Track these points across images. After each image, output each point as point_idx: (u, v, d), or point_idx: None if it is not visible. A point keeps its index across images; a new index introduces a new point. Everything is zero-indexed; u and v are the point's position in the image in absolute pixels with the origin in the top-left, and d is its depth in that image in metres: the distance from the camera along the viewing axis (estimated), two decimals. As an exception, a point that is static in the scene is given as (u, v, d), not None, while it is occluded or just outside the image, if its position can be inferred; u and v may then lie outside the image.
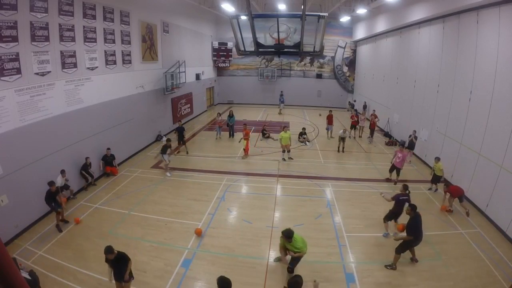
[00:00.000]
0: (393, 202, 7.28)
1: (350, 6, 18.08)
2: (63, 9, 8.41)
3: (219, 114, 16.52)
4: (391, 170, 10.51)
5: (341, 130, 13.77)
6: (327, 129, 16.01)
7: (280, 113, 22.74)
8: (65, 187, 8.54)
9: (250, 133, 14.34)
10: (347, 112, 23.32)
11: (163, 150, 10.79)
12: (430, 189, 9.93)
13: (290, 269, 5.61)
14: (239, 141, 13.22)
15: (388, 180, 10.63)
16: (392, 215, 7.33)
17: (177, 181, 10.51)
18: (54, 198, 7.52)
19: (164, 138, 15.33)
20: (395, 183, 10.24)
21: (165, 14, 15.52)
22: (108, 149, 10.52)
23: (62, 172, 8.39)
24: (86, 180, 9.65)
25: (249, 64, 26.21)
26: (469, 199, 9.11)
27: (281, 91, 24.49)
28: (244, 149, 13.01)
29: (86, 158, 9.65)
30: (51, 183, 7.49)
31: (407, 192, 7.34)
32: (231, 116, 15.79)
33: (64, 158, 8.78)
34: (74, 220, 7.86)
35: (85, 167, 9.61)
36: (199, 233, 7.27)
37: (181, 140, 13.29)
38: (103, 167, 10.52)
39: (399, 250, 6.06)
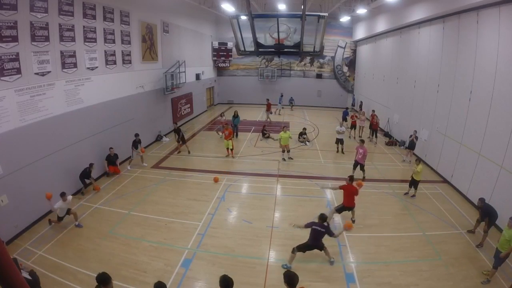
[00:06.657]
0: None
1: (350, 6, 18.06)
2: (63, 9, 8.41)
3: (223, 114, 16.48)
4: (354, 166, 10.60)
5: (337, 126, 13.68)
6: (267, 112, 19.60)
7: (279, 114, 22.40)
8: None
9: (249, 133, 14.33)
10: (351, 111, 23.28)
11: (134, 145, 11.52)
12: (406, 193, 9.43)
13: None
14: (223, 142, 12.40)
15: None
16: (306, 247, 6.10)
17: (177, 181, 10.52)
18: None
19: (165, 138, 15.43)
20: (363, 179, 10.19)
21: (165, 14, 15.52)
22: (111, 148, 10.47)
23: (63, 194, 7.35)
24: (85, 186, 9.23)
25: (249, 64, 26.19)
26: (469, 199, 9.14)
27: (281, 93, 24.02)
28: (230, 149, 12.66)
29: (91, 165, 9.27)
30: None
31: (324, 224, 6.02)
32: (235, 116, 15.77)
33: (64, 158, 8.77)
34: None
35: (87, 174, 9.13)
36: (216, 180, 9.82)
37: (182, 140, 13.24)
38: (107, 167, 10.46)
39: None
